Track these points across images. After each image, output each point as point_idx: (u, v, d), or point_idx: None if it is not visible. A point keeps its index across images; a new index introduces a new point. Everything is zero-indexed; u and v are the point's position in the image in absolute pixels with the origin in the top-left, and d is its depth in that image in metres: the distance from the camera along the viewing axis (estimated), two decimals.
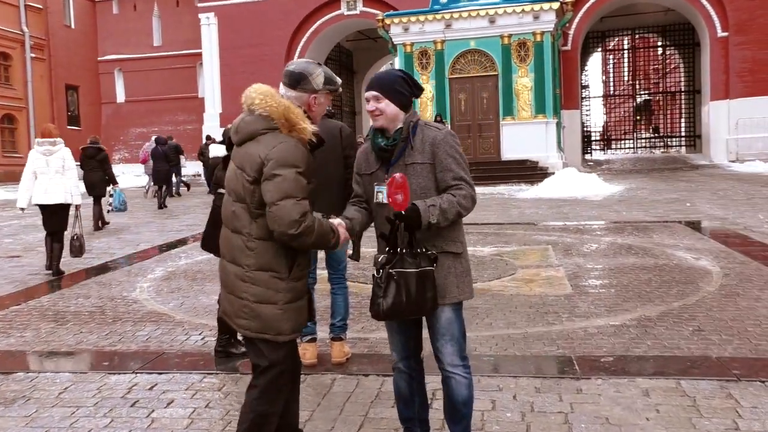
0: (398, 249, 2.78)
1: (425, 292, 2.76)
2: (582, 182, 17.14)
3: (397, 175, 2.71)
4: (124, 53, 33.54)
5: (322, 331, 4.72)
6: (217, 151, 4.64)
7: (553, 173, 19.89)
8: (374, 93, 2.85)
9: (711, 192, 15.25)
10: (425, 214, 2.73)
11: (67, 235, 8.28)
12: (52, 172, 7.95)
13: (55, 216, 8.07)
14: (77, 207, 8.19)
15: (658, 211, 12.55)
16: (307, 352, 4.46)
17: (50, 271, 8.13)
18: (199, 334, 5.37)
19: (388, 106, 2.82)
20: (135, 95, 33.58)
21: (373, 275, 2.83)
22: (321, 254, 4.57)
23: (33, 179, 7.98)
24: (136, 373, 4.44)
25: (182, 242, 10.53)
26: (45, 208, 8.06)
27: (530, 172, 20.82)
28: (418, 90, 2.92)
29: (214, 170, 4.72)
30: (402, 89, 2.86)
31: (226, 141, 4.59)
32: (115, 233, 11.78)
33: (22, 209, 8.15)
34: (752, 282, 6.49)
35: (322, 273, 4.81)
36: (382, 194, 2.87)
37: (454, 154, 2.87)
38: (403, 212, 2.72)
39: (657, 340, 4.80)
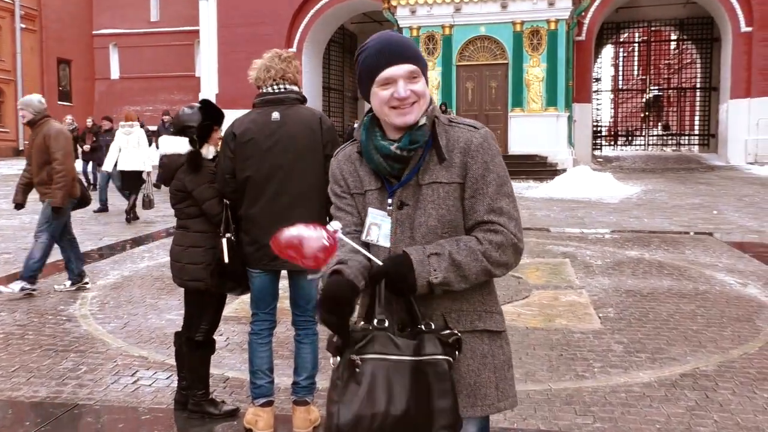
0: (375, 320, 1.64)
1: (431, 401, 1.61)
2: (596, 182, 15.93)
3: (329, 229, 1.65)
4: (120, 28, 32.21)
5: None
6: (171, 145, 3.60)
7: (564, 170, 18.72)
8: (410, 67, 1.71)
9: (736, 198, 14.07)
10: (421, 269, 1.62)
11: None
12: (131, 147, 10.84)
13: (132, 179, 10.93)
14: (148, 173, 10.88)
15: (683, 218, 11.37)
16: (260, 420, 3.32)
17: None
18: (132, 374, 4.21)
19: (425, 88, 1.74)
20: (130, 72, 32.31)
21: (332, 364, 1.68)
22: (284, 288, 3.41)
23: (117, 152, 10.88)
24: None
25: (151, 237, 9.37)
26: (125, 174, 10.95)
27: (539, 168, 19.61)
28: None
29: (174, 172, 3.54)
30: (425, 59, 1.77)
31: (198, 133, 3.46)
32: (81, 223, 10.61)
33: (108, 173, 11.41)
34: None
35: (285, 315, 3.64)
36: (378, 228, 1.76)
37: (498, 170, 1.75)
38: (381, 265, 1.64)
39: (725, 412, 3.64)
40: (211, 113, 3.53)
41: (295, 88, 3.34)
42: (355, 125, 27.37)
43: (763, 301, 6.01)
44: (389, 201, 1.75)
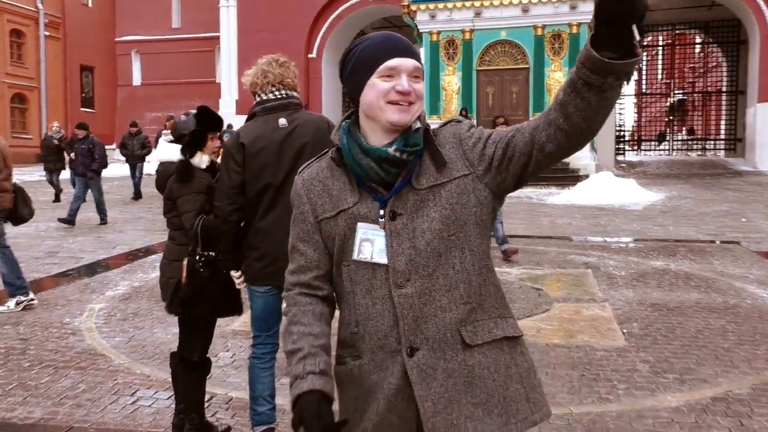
0: None
1: None
2: (618, 188, 15.57)
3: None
4: (142, 34, 32.42)
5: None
6: (166, 152, 3.43)
7: (586, 175, 18.36)
8: (417, 64, 1.57)
9: (765, 205, 13.65)
10: None
11: None
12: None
13: None
14: None
15: (710, 227, 11.02)
16: None
17: None
18: (132, 394, 4.04)
19: (423, 92, 1.60)
20: (152, 78, 32.50)
21: None
22: None
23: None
24: None
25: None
26: None
27: (561, 174, 19.26)
28: None
29: (167, 180, 3.36)
30: None
31: (190, 140, 3.28)
32: (95, 231, 10.55)
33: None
34: None
35: None
36: (371, 243, 1.55)
37: (490, 132, 1.62)
38: None
39: None
40: (205, 120, 3.35)
41: (296, 94, 3.16)
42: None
43: None
44: (381, 212, 1.55)
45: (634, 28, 1.27)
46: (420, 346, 1.52)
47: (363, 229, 1.56)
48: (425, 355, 1.52)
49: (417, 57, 1.58)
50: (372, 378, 1.58)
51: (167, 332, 5.18)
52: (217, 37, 28.64)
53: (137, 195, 15.43)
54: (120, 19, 32.96)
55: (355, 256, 1.57)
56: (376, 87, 1.53)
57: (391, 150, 1.52)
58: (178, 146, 3.30)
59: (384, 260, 1.54)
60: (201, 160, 3.30)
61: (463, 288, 1.54)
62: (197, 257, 3.13)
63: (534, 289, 6.71)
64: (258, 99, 3.16)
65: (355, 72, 1.57)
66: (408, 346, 1.53)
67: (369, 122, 1.57)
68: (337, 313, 1.67)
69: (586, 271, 7.57)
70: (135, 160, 15.57)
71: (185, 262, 3.14)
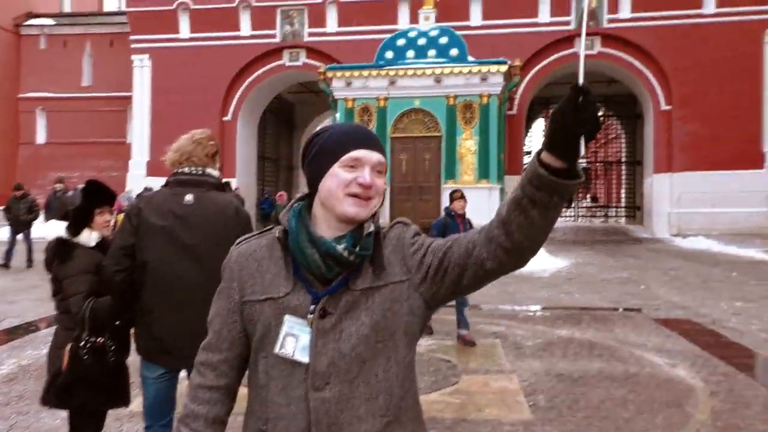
0: None
1: None
2: None
3: None
4: (49, 91, 31.45)
5: None
6: (54, 229, 3.21)
7: None
8: (381, 158, 1.56)
9: (662, 272, 14.33)
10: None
11: None
12: None
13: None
14: None
15: (612, 294, 11.44)
16: None
17: None
18: None
19: (383, 185, 1.58)
20: (58, 137, 31.39)
21: None
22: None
23: None
24: None
25: None
26: None
27: None
28: None
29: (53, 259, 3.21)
30: None
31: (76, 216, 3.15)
32: None
33: None
34: (750, 407, 5.25)
35: None
36: (295, 339, 1.49)
37: (432, 241, 1.61)
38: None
39: None
40: (94, 195, 3.22)
41: (214, 173, 3.11)
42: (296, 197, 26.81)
43: (690, 384, 5.92)
44: (311, 308, 1.49)
45: (582, 142, 1.30)
46: None
47: (289, 323, 1.50)
48: None
49: (382, 151, 1.56)
50: None
51: (55, 417, 4.84)
52: (130, 97, 28.17)
53: (30, 262, 14.36)
54: (25, 74, 31.94)
55: (276, 350, 1.50)
56: (337, 176, 1.50)
57: (339, 248, 1.48)
58: (63, 223, 3.17)
59: (306, 359, 1.48)
60: (89, 237, 3.16)
61: (383, 399, 1.49)
62: (82, 343, 2.96)
63: (443, 360, 6.72)
64: (175, 170, 3.12)
65: (317, 158, 1.54)
66: None
67: (323, 211, 1.54)
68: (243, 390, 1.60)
69: (495, 341, 7.66)
70: (20, 226, 14.17)
71: (68, 348, 2.97)
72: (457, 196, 8.00)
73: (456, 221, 7.78)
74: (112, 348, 3.01)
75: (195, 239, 2.96)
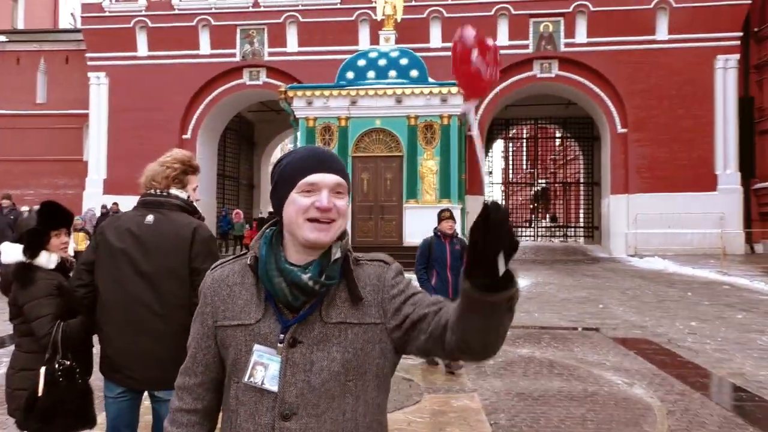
0: None
1: None
2: None
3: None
4: (2, 108, 30.76)
5: None
6: (9, 253, 3.08)
7: None
8: (338, 179, 1.53)
9: (620, 291, 14.57)
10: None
11: None
12: None
13: None
14: None
15: (572, 313, 11.57)
16: None
17: None
18: None
19: (347, 209, 1.55)
20: (11, 154, 30.68)
21: None
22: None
23: None
24: None
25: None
26: None
27: None
28: None
29: (11, 284, 3.14)
30: None
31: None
32: None
33: None
34: (705, 426, 5.34)
35: None
36: (264, 368, 1.47)
37: (415, 291, 1.56)
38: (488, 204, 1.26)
39: None
40: (50, 217, 3.16)
41: (182, 194, 3.07)
42: (263, 215, 26.70)
43: (648, 403, 5.99)
44: (281, 337, 1.47)
45: (500, 261, 1.26)
46: None
47: (259, 352, 1.48)
48: None
49: (341, 172, 1.54)
50: None
51: None
52: (86, 115, 27.74)
53: None
54: None
55: (245, 379, 1.49)
56: (295, 203, 1.49)
57: (305, 277, 1.46)
58: (18, 246, 3.09)
59: (274, 388, 1.47)
60: (48, 259, 3.10)
61: None
62: (57, 366, 2.90)
63: (405, 380, 6.70)
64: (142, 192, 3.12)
65: (278, 186, 1.54)
66: None
67: (289, 237, 1.53)
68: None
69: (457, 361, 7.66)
70: None
71: (42, 371, 2.89)
72: (445, 216, 7.44)
73: (443, 241, 7.37)
74: (77, 370, 2.96)
75: (149, 262, 2.94)
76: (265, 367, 1.47)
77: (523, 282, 15.97)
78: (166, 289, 2.89)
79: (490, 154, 34.28)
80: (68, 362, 2.94)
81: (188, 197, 3.09)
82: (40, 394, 2.87)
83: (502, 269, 1.26)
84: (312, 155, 1.54)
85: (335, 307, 1.49)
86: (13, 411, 3.03)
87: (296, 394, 1.46)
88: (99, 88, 27.13)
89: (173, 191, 3.06)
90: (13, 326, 3.16)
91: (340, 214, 1.51)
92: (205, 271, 2.72)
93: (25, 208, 15.57)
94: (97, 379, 3.12)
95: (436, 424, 5.37)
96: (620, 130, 24.31)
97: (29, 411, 2.90)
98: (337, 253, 1.51)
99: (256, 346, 1.49)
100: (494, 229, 1.24)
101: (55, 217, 3.18)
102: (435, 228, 7.54)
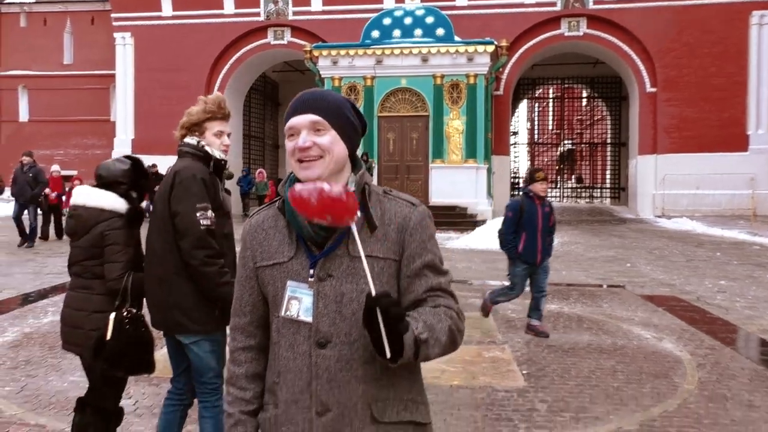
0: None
1: None
2: None
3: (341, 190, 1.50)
4: (31, 69, 31.07)
5: None
6: (95, 198, 3.23)
7: (483, 221, 19.04)
8: (313, 117, 1.58)
9: (647, 251, 14.56)
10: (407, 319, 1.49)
11: None
12: None
13: None
14: None
15: (599, 271, 11.64)
16: None
17: None
18: None
19: (334, 144, 1.58)
20: (40, 115, 31.08)
21: None
22: None
23: None
24: None
25: (57, 289, 8.81)
26: None
27: (459, 219, 19.86)
28: (365, 127, 1.67)
29: (91, 227, 3.36)
30: (353, 120, 1.61)
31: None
32: None
33: None
34: (735, 378, 5.44)
35: None
36: (298, 302, 1.57)
37: (434, 250, 1.64)
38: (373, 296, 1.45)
39: None
40: (141, 170, 3.38)
41: (192, 141, 3.15)
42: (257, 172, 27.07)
43: (678, 356, 6.10)
44: (311, 272, 1.58)
45: (386, 346, 1.44)
46: (331, 408, 1.56)
47: (292, 287, 1.60)
48: (334, 418, 1.56)
49: (320, 110, 1.58)
50: (282, 431, 1.62)
51: (63, 380, 4.94)
52: (112, 75, 27.91)
53: (45, 235, 14.78)
54: (6, 52, 31.50)
55: (282, 313, 1.61)
56: (287, 148, 1.62)
57: (307, 226, 1.57)
58: (107, 193, 3.25)
59: (309, 319, 1.58)
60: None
61: (380, 365, 1.56)
62: (125, 313, 3.08)
63: None
64: None
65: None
66: (318, 405, 1.57)
67: None
68: None
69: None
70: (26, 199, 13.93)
71: (112, 317, 3.06)
72: (540, 176, 6.85)
73: (535, 203, 6.81)
74: (142, 318, 3.14)
75: (155, 211, 3.13)
76: (299, 301, 1.58)
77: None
78: (162, 236, 3.05)
79: (516, 114, 33.98)
80: (135, 310, 3.12)
81: (199, 142, 3.16)
82: (108, 338, 3.05)
83: (388, 354, 1.45)
84: (295, 100, 1.63)
85: (362, 241, 1.55)
86: (82, 351, 3.21)
87: (329, 323, 1.56)
88: (125, 49, 27.22)
89: (186, 139, 3.18)
90: (79, 268, 3.29)
91: (324, 149, 1.57)
92: (180, 213, 2.91)
93: (42, 166, 15.85)
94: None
95: (468, 372, 5.53)
96: (649, 89, 23.94)
97: (98, 352, 3.07)
98: (351, 187, 1.59)
99: (289, 282, 1.60)
100: (381, 328, 1.43)
101: (144, 171, 3.42)
102: (525, 189, 7.00)
